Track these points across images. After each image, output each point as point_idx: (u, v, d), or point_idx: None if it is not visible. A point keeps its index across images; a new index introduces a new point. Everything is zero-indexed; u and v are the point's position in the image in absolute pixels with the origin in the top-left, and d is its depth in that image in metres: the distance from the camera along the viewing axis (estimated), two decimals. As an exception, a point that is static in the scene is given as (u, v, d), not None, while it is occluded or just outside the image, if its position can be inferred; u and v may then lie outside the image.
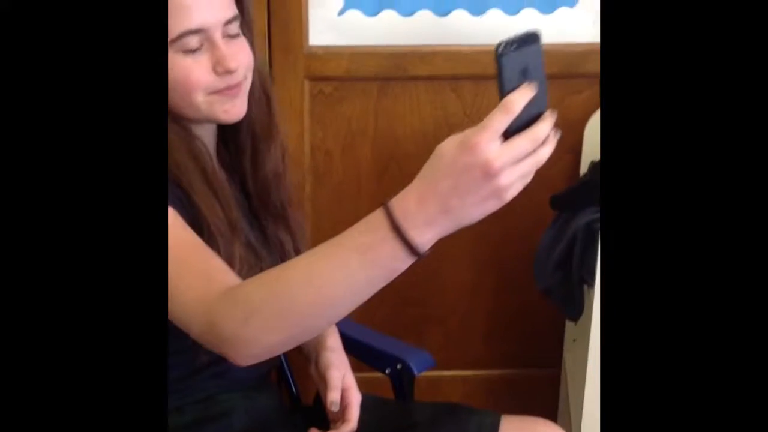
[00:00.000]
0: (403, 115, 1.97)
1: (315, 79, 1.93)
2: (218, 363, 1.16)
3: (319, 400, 1.51)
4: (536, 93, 0.85)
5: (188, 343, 1.05)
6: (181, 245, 1.05)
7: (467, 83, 1.95)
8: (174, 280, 1.00)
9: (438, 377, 2.09)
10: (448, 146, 0.85)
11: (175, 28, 1.12)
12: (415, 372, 1.43)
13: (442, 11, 1.92)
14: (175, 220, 1.08)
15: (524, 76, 0.85)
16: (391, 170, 2.01)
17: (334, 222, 1.99)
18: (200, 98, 1.16)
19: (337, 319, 0.97)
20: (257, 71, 1.23)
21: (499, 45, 0.84)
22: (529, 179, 0.86)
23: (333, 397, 1.26)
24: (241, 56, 1.17)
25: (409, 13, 1.93)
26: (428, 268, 2.06)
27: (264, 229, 1.29)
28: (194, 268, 1.04)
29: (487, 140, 0.83)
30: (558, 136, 0.87)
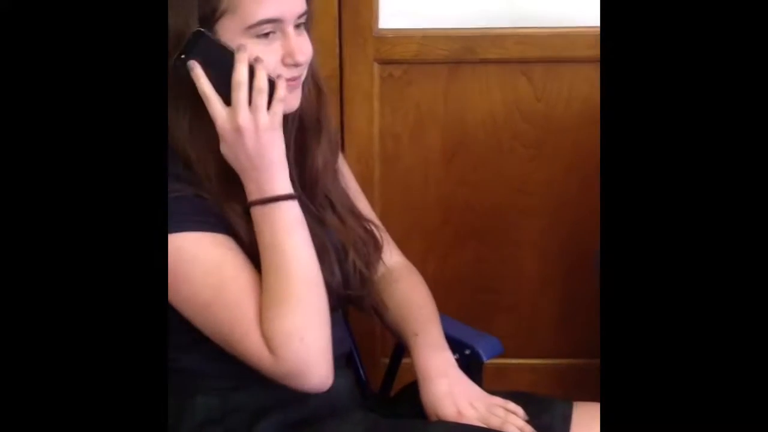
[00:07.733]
0: (473, 99, 1.94)
1: (384, 62, 1.92)
2: None
3: (386, 387, 1.50)
4: None
5: None
6: (235, 289, 1.17)
7: (538, 67, 1.91)
8: (227, 323, 1.17)
9: (506, 365, 2.07)
10: None
11: (255, 15, 1.15)
12: (484, 358, 1.42)
13: (514, -7, 1.90)
14: (223, 248, 1.18)
15: None
16: (460, 155, 1.98)
17: (402, 207, 1.98)
18: None
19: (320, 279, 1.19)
20: (310, 65, 1.25)
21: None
22: None
23: None
24: (306, 49, 1.21)
25: (480, -5, 1.90)
26: (500, 256, 2.05)
27: (320, 216, 1.30)
28: (247, 314, 1.17)
29: None
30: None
